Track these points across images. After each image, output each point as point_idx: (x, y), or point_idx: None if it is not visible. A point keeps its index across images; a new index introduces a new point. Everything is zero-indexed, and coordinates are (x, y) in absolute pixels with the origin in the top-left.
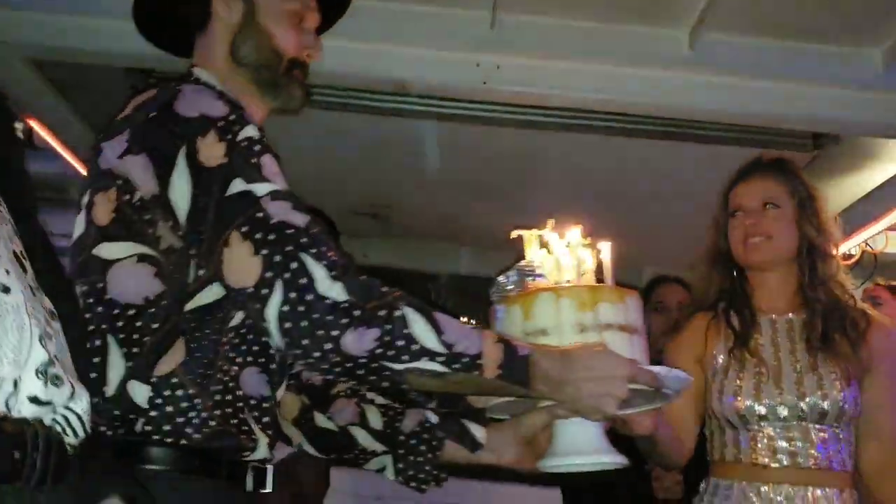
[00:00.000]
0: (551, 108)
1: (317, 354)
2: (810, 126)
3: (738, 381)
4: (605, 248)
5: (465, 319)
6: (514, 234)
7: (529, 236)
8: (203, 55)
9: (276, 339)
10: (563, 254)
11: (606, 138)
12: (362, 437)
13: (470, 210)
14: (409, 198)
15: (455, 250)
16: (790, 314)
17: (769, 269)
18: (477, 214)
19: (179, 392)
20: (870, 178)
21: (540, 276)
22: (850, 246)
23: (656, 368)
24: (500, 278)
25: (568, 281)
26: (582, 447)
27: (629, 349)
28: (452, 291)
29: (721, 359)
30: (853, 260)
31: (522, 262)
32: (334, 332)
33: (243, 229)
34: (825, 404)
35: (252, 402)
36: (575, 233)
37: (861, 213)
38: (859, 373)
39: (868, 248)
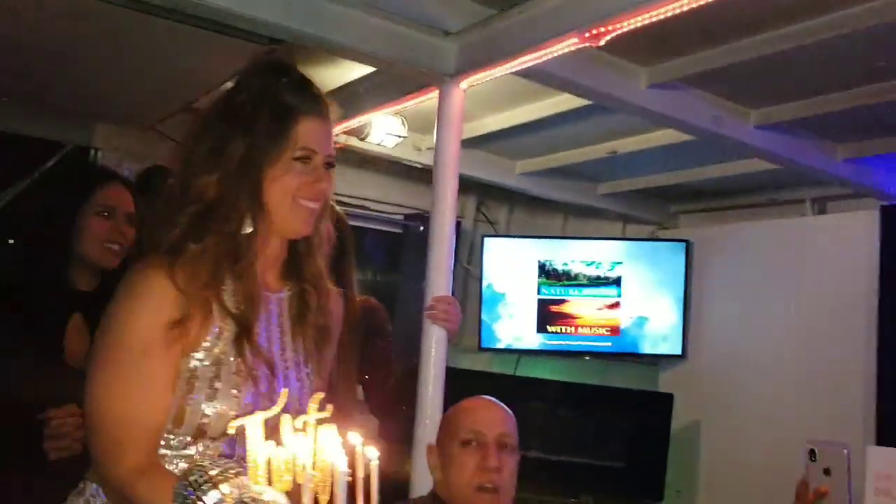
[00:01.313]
0: None
1: None
2: (253, 27)
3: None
4: (373, 455)
5: None
6: (234, 425)
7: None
8: None
9: None
10: (301, 449)
11: None
12: None
13: None
14: None
15: None
16: (284, 290)
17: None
18: None
19: None
20: (328, 78)
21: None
22: None
23: None
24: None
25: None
26: None
27: None
28: None
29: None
30: None
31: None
32: None
33: None
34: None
35: None
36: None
37: None
38: None
39: None
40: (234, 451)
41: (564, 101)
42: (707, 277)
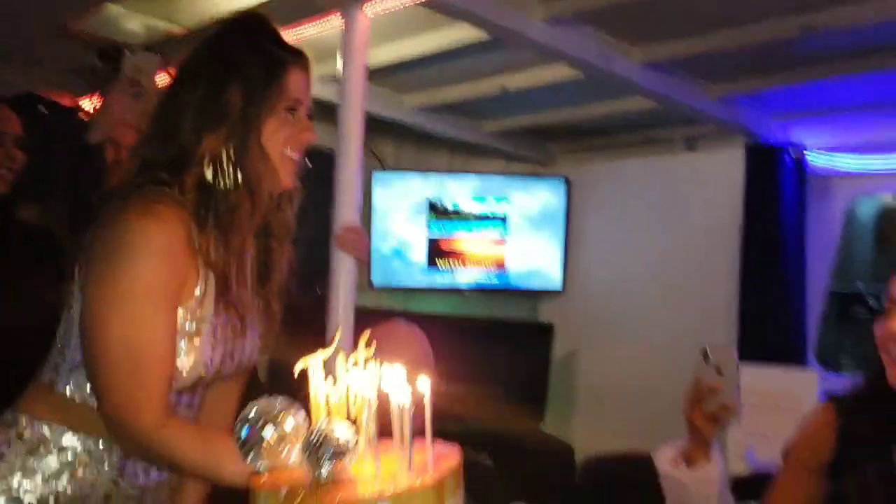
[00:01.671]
0: None
1: None
2: None
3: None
4: (425, 384)
5: None
6: (300, 364)
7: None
8: None
9: None
10: (361, 384)
11: None
12: None
13: None
14: None
15: None
16: (252, 247)
17: None
18: None
19: None
20: (221, 4)
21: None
22: None
23: None
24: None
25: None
26: None
27: None
28: None
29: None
30: None
31: (321, 429)
32: None
33: None
34: None
35: None
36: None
37: None
38: None
39: None
40: (183, 400)
41: (454, 34)
42: (585, 213)
